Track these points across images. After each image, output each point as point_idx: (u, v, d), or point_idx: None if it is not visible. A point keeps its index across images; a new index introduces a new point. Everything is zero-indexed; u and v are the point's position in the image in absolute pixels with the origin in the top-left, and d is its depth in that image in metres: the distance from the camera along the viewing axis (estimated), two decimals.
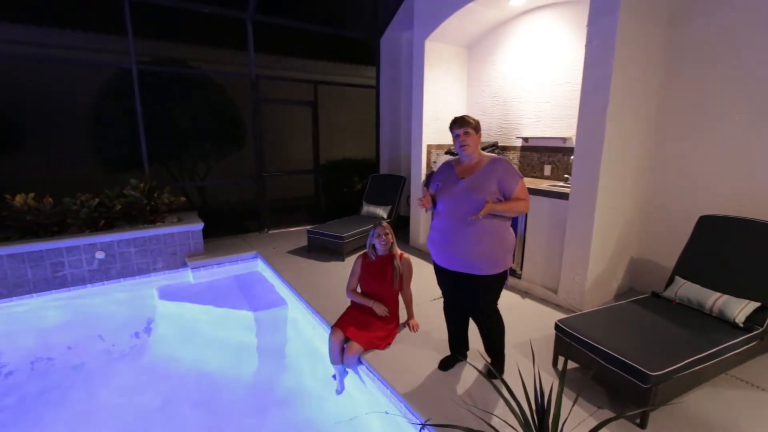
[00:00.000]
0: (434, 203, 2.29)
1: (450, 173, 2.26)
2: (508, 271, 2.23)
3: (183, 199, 4.70)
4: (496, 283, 2.21)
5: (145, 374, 3.65)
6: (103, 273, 4.13)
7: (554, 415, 1.30)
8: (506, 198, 2.11)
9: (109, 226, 4.23)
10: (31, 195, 3.85)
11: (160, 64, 4.89)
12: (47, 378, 3.59)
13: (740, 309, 2.33)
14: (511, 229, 2.22)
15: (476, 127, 2.18)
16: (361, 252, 2.91)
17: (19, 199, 3.78)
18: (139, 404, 3.28)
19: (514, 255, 2.29)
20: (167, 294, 4.21)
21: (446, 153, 4.71)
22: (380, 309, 2.76)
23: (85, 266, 4.02)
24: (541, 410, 1.33)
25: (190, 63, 5.13)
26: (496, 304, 2.30)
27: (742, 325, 2.29)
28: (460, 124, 2.16)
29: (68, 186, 4.21)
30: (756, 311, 2.32)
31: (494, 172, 2.11)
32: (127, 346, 4.06)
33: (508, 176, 2.11)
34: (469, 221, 2.07)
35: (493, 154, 2.24)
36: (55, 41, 4.34)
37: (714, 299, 2.45)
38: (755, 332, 2.27)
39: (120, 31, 4.49)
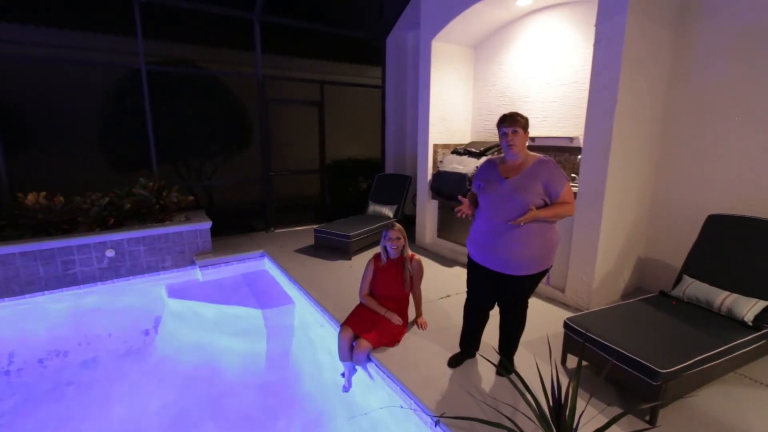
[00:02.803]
0: (476, 204, 2.26)
1: (494, 172, 2.20)
2: (549, 269, 2.20)
3: (191, 198, 4.73)
4: (536, 282, 2.22)
5: (154, 371, 3.69)
6: (113, 271, 4.17)
7: (570, 408, 1.32)
8: (551, 200, 2.07)
9: (119, 224, 4.27)
10: (43, 194, 3.90)
11: (168, 64, 4.93)
12: (57, 375, 3.63)
13: (749, 308, 2.34)
14: (555, 228, 2.17)
15: (525, 125, 2.11)
16: (373, 255, 2.93)
17: (30, 197, 3.83)
18: (148, 401, 3.32)
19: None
20: (176, 292, 4.25)
21: (452, 153, 4.72)
22: (395, 319, 2.77)
23: (95, 264, 4.07)
24: (558, 404, 1.35)
25: (198, 63, 5.17)
26: (528, 299, 2.32)
27: (750, 324, 2.31)
28: (509, 122, 2.09)
29: (78, 185, 4.26)
30: (765, 310, 2.33)
31: (540, 173, 2.06)
32: (137, 343, 4.11)
33: (554, 178, 2.05)
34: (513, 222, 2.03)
35: (540, 155, 2.17)
36: (65, 42, 4.38)
37: (722, 298, 2.46)
38: (764, 331, 2.28)
39: (129, 32, 4.54)
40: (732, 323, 2.35)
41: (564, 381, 2.30)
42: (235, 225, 5.63)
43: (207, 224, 4.61)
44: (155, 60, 4.77)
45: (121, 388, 3.48)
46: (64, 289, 3.98)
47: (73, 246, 3.92)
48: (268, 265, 4.81)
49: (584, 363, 2.39)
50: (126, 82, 4.72)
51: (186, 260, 4.57)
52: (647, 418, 2.01)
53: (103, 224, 4.14)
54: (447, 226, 4.91)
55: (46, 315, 3.92)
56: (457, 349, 2.60)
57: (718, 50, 2.99)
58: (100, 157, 4.76)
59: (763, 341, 2.30)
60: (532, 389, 1.66)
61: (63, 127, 4.47)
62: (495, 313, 2.44)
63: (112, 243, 4.10)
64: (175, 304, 4.15)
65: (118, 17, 4.51)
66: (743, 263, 2.55)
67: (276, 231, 5.83)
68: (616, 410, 2.05)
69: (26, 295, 3.81)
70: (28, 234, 3.86)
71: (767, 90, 2.78)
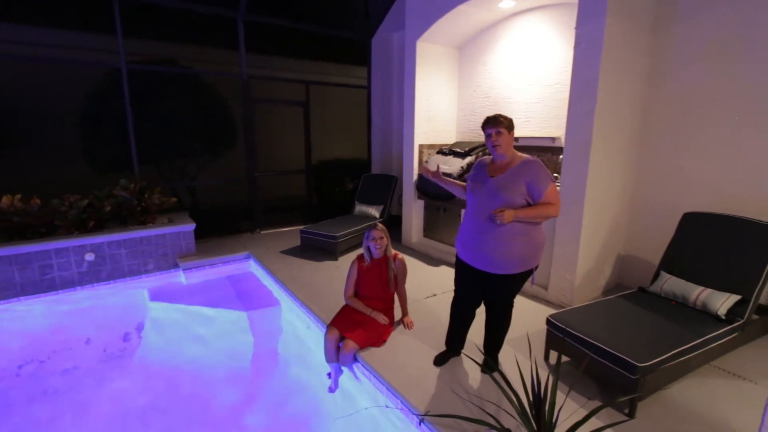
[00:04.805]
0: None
1: (481, 172, 2.24)
2: (535, 269, 2.22)
3: (174, 199, 4.65)
4: (522, 281, 2.25)
5: (137, 376, 3.62)
6: (92, 275, 4.07)
7: (550, 403, 1.35)
8: (534, 200, 2.09)
9: (99, 227, 4.17)
10: (18, 196, 3.78)
11: (150, 63, 4.83)
12: (36, 383, 3.53)
13: (722, 302, 2.42)
14: (542, 229, 2.20)
15: (508, 126, 2.15)
16: (357, 256, 2.93)
17: (5, 200, 3.70)
18: (131, 407, 3.25)
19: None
20: (159, 295, 4.17)
21: (438, 153, 4.76)
22: (380, 318, 2.78)
23: (74, 268, 3.96)
24: (538, 400, 1.38)
25: (181, 62, 5.08)
26: (514, 298, 2.35)
27: (724, 318, 2.39)
28: (492, 123, 2.14)
29: (56, 187, 4.14)
30: (737, 304, 2.42)
31: (524, 173, 2.08)
32: (118, 348, 4.02)
33: (537, 179, 2.06)
34: (498, 221, 2.04)
35: (526, 155, 2.18)
36: (43, 40, 4.25)
37: (698, 293, 2.54)
38: (736, 324, 2.37)
39: (109, 30, 4.43)
40: (706, 317, 2.43)
41: (546, 377, 2.34)
42: (220, 226, 5.56)
43: (191, 226, 4.54)
44: (138, 59, 4.67)
45: (102, 395, 3.40)
46: (42, 294, 3.86)
47: (51, 250, 3.81)
48: (253, 267, 4.76)
49: (567, 359, 2.44)
50: (107, 82, 4.60)
51: (169, 263, 4.49)
52: (626, 410, 2.06)
53: (82, 227, 4.04)
54: (433, 225, 4.94)
55: (22, 322, 3.80)
56: (443, 348, 2.62)
57: (694, 53, 3.09)
58: (80, 158, 4.63)
59: (735, 334, 2.38)
60: (514, 386, 1.68)
61: (40, 127, 4.33)
62: (481, 312, 2.47)
63: (91, 246, 3.99)
64: (158, 308, 4.07)
65: (98, 15, 4.40)
66: (717, 259, 2.64)
67: (262, 232, 5.78)
68: (597, 404, 2.10)
69: (1, 302, 3.69)
70: (2, 238, 3.74)
71: (741, 92, 2.89)
